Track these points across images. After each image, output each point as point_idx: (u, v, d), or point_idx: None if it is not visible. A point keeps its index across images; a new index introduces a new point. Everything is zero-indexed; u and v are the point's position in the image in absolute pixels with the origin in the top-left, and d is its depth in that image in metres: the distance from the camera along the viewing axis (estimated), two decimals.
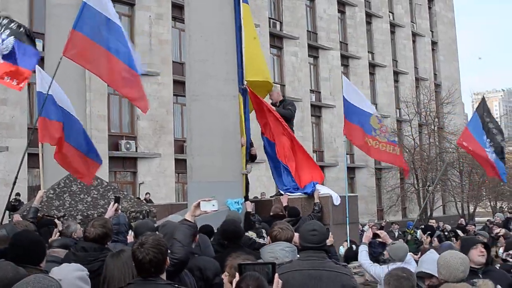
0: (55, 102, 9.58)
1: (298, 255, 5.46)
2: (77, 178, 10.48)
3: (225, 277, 4.62)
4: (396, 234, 21.16)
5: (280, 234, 5.64)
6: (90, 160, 10.12)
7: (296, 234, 5.84)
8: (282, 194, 11.93)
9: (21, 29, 9.65)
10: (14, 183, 9.53)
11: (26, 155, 9.57)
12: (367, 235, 8.70)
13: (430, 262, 6.10)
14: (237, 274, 3.75)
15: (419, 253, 9.11)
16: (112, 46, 8.85)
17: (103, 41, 8.77)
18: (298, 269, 4.99)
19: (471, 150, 13.04)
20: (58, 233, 7.96)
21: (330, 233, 8.68)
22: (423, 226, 15.02)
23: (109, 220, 6.44)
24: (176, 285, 4.28)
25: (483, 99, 13.59)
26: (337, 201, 11.32)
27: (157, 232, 7.13)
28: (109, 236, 5.84)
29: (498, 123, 13.91)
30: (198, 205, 5.31)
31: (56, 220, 8.90)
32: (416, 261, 7.48)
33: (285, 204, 10.92)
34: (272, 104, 12.82)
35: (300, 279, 4.91)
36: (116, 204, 7.48)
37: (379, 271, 7.61)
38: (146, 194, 26.41)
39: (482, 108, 13.22)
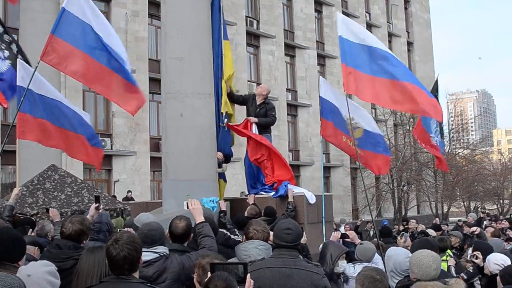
0: (40, 98, 9.51)
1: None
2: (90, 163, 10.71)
3: (195, 276, 4.62)
4: (371, 233, 21.26)
5: (256, 236, 5.66)
6: (95, 147, 10.32)
7: (271, 233, 5.87)
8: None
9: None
10: None
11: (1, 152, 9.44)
12: (335, 235, 8.78)
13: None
14: (208, 273, 3.74)
15: None
16: (96, 53, 8.80)
17: (83, 46, 8.70)
18: (269, 267, 5.00)
19: (422, 139, 13.26)
20: (33, 233, 7.91)
21: (304, 232, 8.72)
22: (380, 227, 15.03)
23: (87, 218, 6.42)
24: (149, 284, 4.26)
25: (436, 81, 13.72)
26: (312, 199, 11.31)
27: (128, 229, 7.16)
28: (85, 234, 5.80)
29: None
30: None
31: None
32: None
33: (251, 202, 10.89)
34: (247, 96, 12.81)
35: (271, 276, 4.92)
36: (97, 204, 7.46)
37: (345, 270, 7.70)
38: (128, 192, 26.28)
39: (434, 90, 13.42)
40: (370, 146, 12.25)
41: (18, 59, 10.41)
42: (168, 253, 5.33)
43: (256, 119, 12.28)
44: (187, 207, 6.39)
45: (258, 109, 12.44)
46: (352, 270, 7.57)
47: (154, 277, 5.12)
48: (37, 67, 8.60)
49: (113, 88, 9.07)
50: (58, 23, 8.50)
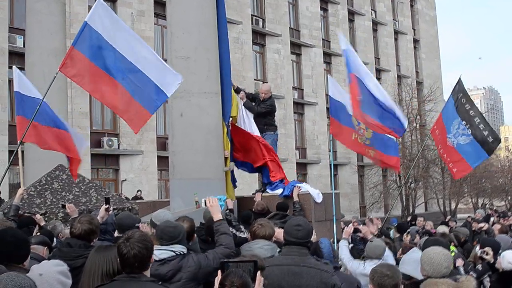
0: (46, 107, 9.60)
1: (278, 251, 5.50)
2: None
3: None
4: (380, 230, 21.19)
5: (259, 230, 5.76)
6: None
7: (280, 230, 5.90)
8: (264, 190, 11.98)
9: None
10: (1, 181, 9.50)
11: (7, 152, 9.50)
12: (347, 230, 8.79)
13: (409, 263, 6.14)
14: (219, 272, 3.73)
15: (400, 250, 9.16)
16: (116, 74, 8.87)
17: (104, 65, 8.77)
18: (278, 264, 5.01)
19: (439, 139, 13.01)
20: (37, 231, 7.93)
21: (313, 230, 8.72)
22: (396, 225, 15.01)
23: (95, 217, 6.46)
24: (160, 283, 4.27)
25: (459, 80, 13.38)
26: (319, 198, 11.31)
27: (143, 223, 7.22)
28: (95, 233, 5.86)
29: (477, 108, 13.68)
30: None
31: (37, 216, 8.87)
32: (398, 260, 7.54)
33: (259, 199, 10.94)
34: (257, 95, 12.86)
35: (280, 274, 4.93)
36: (107, 205, 7.50)
37: (355, 266, 7.70)
38: (138, 191, 26.31)
39: (457, 91, 13.10)
40: (380, 147, 12.21)
41: (13, 67, 10.48)
42: (185, 252, 5.31)
43: (243, 94, 12.44)
44: (205, 205, 6.39)
45: (257, 106, 12.55)
46: (362, 267, 7.57)
47: (168, 276, 5.10)
48: (55, 77, 8.67)
49: (122, 106, 9.15)
50: (79, 36, 8.60)
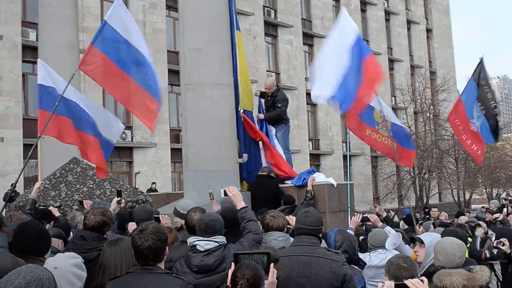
0: (66, 100, 9.67)
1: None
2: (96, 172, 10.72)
3: None
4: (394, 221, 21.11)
5: (272, 222, 5.84)
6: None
7: (293, 217, 5.96)
8: None
9: None
10: (20, 174, 9.58)
11: (22, 146, 9.55)
12: (355, 220, 8.78)
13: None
14: (232, 264, 3.73)
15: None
16: (131, 69, 9.02)
17: (121, 62, 8.91)
18: (288, 255, 5.03)
19: (457, 124, 12.88)
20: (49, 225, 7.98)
21: (325, 220, 8.71)
22: (404, 216, 14.95)
23: (109, 209, 6.48)
24: (174, 274, 4.28)
25: (481, 61, 13.30)
26: (334, 183, 11.33)
27: (163, 215, 7.28)
28: (108, 225, 5.88)
29: (491, 88, 13.64)
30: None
31: (51, 208, 8.92)
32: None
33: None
34: (263, 92, 12.86)
35: (289, 264, 4.95)
36: (119, 198, 7.55)
37: (361, 257, 7.71)
38: (152, 184, 26.40)
39: (479, 73, 13.02)
40: (398, 140, 12.13)
41: (38, 59, 10.52)
42: (225, 242, 5.37)
43: (262, 116, 12.42)
44: (225, 194, 6.42)
45: (266, 103, 12.60)
46: (368, 258, 7.57)
47: (214, 266, 5.16)
48: (74, 74, 8.83)
49: (139, 105, 9.34)
50: (98, 35, 8.77)
